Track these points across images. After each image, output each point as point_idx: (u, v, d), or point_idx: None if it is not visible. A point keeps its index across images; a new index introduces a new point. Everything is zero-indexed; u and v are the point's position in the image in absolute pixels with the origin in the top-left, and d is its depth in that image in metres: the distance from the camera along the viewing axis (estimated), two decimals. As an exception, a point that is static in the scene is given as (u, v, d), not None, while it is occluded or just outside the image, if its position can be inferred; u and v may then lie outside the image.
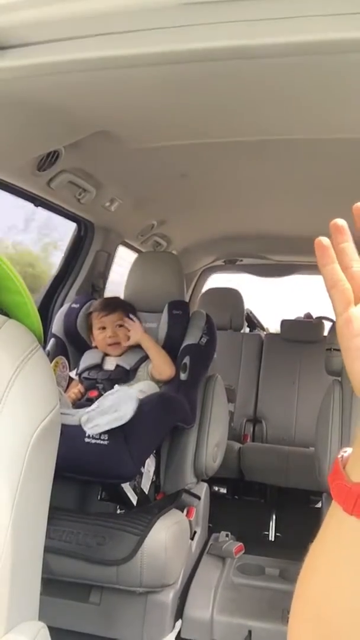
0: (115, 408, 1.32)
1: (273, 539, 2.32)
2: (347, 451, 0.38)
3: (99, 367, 1.71)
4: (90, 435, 1.34)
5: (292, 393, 2.80)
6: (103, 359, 1.73)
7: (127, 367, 1.69)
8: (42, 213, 1.71)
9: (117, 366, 1.70)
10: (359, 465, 0.36)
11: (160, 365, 1.67)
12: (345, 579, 0.35)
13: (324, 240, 0.37)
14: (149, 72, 0.92)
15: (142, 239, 2.30)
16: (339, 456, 0.38)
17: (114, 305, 1.76)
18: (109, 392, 1.37)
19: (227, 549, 1.78)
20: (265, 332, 3.33)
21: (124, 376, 1.67)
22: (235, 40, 0.80)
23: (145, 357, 1.71)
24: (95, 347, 1.77)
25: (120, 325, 1.72)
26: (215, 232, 2.62)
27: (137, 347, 1.73)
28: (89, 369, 1.71)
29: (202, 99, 1.09)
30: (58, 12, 0.79)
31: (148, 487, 1.55)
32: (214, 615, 1.51)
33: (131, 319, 1.74)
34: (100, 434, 1.34)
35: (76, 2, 0.78)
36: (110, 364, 1.71)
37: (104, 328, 1.72)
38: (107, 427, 1.32)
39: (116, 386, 1.43)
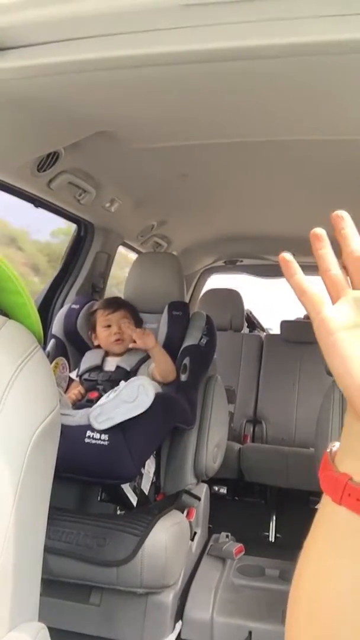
0: (134, 397, 1.32)
1: (273, 540, 2.32)
2: (336, 445, 0.38)
3: (99, 368, 1.71)
4: (91, 436, 1.34)
5: (292, 394, 2.79)
6: (103, 360, 1.73)
7: (128, 368, 1.69)
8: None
9: (118, 367, 1.70)
10: (346, 457, 0.36)
11: (166, 372, 1.67)
12: (337, 570, 0.35)
13: (287, 255, 0.40)
14: (149, 73, 0.92)
15: (142, 240, 2.30)
16: (328, 450, 0.38)
17: (118, 303, 1.78)
18: (130, 380, 1.37)
19: (227, 549, 1.78)
20: (265, 333, 3.33)
21: (124, 377, 1.67)
22: (235, 42, 0.80)
23: (146, 358, 1.71)
24: (98, 346, 1.77)
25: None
26: (215, 233, 2.62)
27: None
28: (89, 370, 1.71)
29: (202, 100, 1.09)
30: (58, 13, 0.79)
31: (148, 487, 1.55)
32: (214, 616, 1.51)
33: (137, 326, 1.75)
34: (101, 434, 1.34)
35: (76, 3, 0.78)
36: (110, 365, 1.71)
37: (108, 326, 1.73)
38: (122, 419, 1.31)
39: (133, 378, 1.43)
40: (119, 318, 1.73)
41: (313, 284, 0.39)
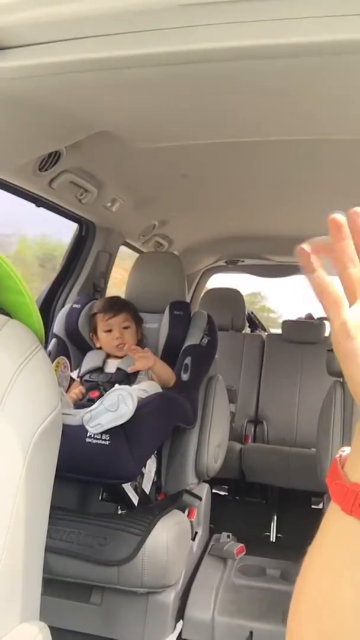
0: (116, 407, 1.32)
1: (274, 540, 2.32)
2: (346, 451, 0.38)
3: (100, 369, 1.71)
4: (92, 435, 1.34)
5: (293, 394, 2.79)
6: (104, 362, 1.73)
7: (128, 370, 1.69)
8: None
9: (118, 369, 1.69)
10: (357, 465, 0.36)
11: (164, 380, 1.66)
12: (343, 578, 0.35)
13: (306, 247, 0.35)
14: (150, 72, 0.92)
15: (143, 240, 2.30)
16: (337, 456, 0.38)
17: (118, 306, 1.76)
18: (110, 390, 1.37)
19: (228, 549, 1.78)
20: (266, 333, 3.33)
21: (125, 379, 1.67)
22: (235, 42, 0.80)
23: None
24: (99, 348, 1.77)
25: (126, 327, 1.73)
26: (216, 233, 2.62)
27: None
28: (90, 371, 1.71)
29: (203, 100, 1.09)
30: (59, 13, 0.79)
31: (149, 487, 1.54)
32: (215, 616, 1.51)
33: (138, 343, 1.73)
34: (102, 433, 1.34)
35: (77, 2, 0.78)
36: (111, 367, 1.71)
37: (110, 330, 1.72)
38: (109, 426, 1.32)
39: (116, 385, 1.43)
40: (120, 322, 1.72)
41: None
